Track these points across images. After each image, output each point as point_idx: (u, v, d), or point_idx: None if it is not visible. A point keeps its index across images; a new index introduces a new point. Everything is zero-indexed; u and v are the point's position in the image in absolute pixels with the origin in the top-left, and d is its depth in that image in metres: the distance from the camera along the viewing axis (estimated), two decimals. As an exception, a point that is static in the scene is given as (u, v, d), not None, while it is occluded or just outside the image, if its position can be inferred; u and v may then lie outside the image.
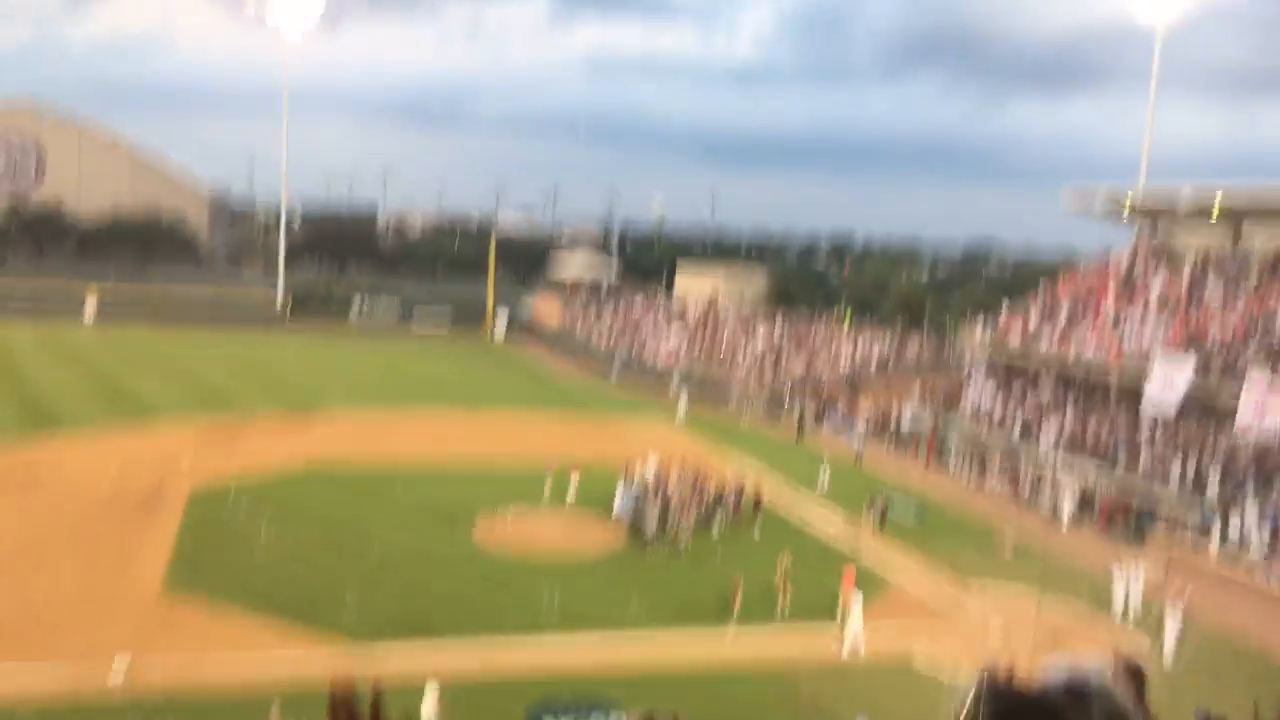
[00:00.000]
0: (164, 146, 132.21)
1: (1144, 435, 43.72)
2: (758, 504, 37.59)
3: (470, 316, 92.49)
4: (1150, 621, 28.32)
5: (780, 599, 28.16)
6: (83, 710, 20.36)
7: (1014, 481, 44.98)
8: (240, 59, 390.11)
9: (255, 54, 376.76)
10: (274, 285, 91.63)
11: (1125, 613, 29.49)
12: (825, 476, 43.14)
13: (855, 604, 26.50)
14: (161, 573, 28.08)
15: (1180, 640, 26.71)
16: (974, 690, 2.30)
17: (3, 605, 25.01)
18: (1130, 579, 30.20)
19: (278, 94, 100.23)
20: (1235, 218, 52.33)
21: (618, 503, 35.70)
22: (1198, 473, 39.36)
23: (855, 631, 26.23)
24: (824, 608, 28.15)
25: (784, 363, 67.00)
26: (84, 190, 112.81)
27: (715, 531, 35.06)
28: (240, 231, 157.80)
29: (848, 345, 68.94)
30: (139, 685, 21.35)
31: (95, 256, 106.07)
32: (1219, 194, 49.73)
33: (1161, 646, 26.63)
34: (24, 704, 20.19)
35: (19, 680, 21.20)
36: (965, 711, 2.20)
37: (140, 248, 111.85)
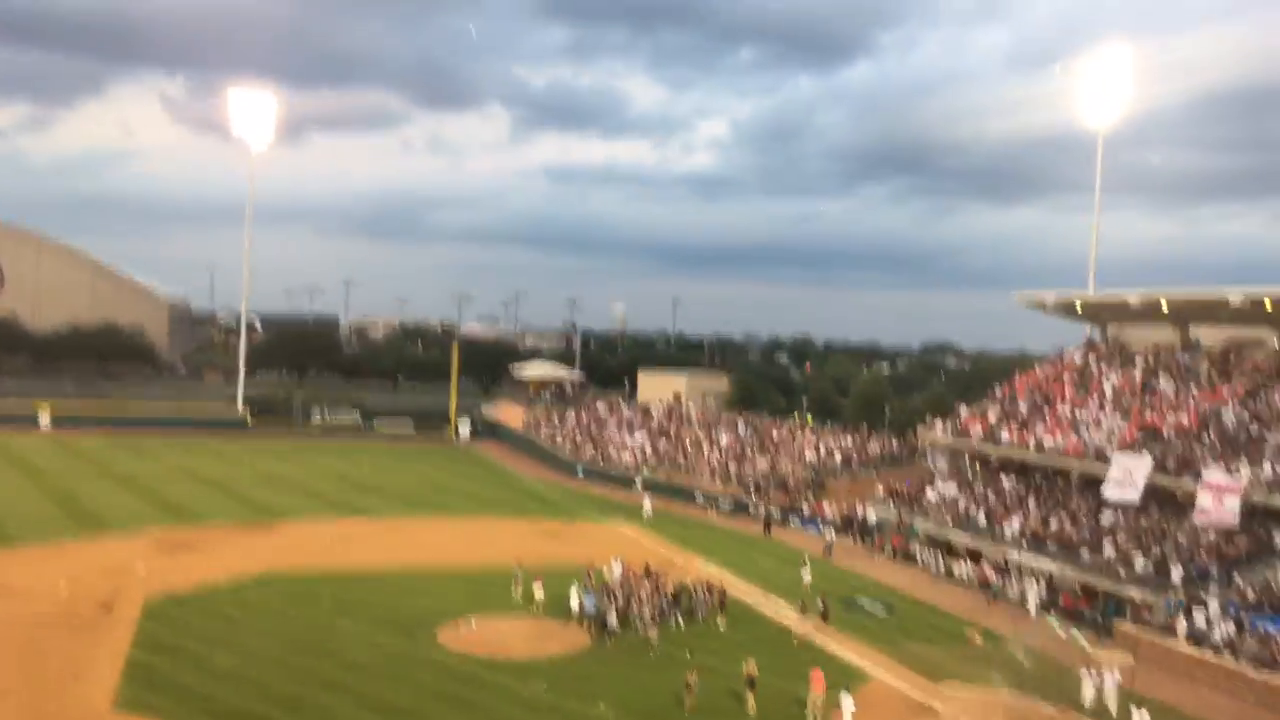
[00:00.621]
0: (126, 260, 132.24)
1: (1106, 527, 43.99)
2: (722, 601, 37.32)
3: (433, 420, 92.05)
4: (1121, 717, 28.10)
5: (749, 699, 27.76)
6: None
7: (980, 574, 44.94)
8: (203, 173, 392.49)
9: (218, 168, 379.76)
10: (234, 394, 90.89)
11: (1098, 710, 29.22)
12: (807, 571, 42.80)
13: (846, 702, 26.66)
14: (113, 690, 27.15)
15: None
16: None
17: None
18: (1103, 678, 30.00)
19: (240, 207, 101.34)
20: (1182, 317, 53.72)
21: (584, 601, 35.39)
22: (1160, 563, 39.55)
23: None
24: (797, 703, 27.84)
25: (748, 462, 67.06)
26: (42, 302, 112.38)
27: (673, 626, 34.92)
28: (200, 341, 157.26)
29: (810, 444, 69.23)
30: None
31: (52, 367, 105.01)
32: (1163, 299, 51.04)
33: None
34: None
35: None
36: None
37: (98, 358, 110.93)
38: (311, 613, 35.03)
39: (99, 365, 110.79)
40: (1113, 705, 29.09)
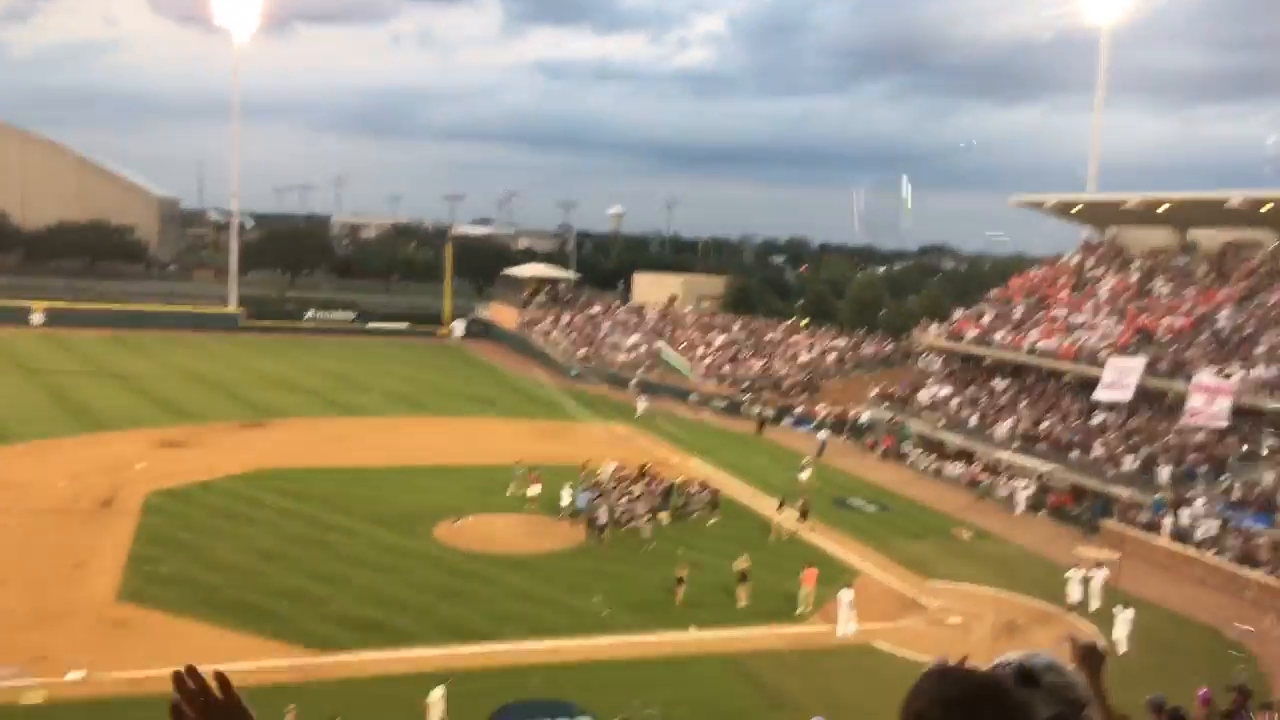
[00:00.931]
0: (111, 157, 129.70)
1: (1096, 428, 44.41)
2: (714, 499, 37.79)
3: (427, 321, 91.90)
4: (1105, 612, 28.70)
5: (740, 593, 28.34)
6: (39, 712, 19.96)
7: (971, 474, 45.52)
8: (188, 65, 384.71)
9: (204, 60, 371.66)
10: (226, 293, 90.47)
11: (1084, 607, 29.79)
12: (807, 472, 43.35)
13: (845, 595, 27.46)
14: (115, 581, 27.60)
15: (1133, 626, 27.17)
16: (925, 673, 2.29)
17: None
18: (1088, 577, 30.40)
19: (227, 101, 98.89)
20: (1181, 219, 53.38)
21: (577, 498, 35.84)
22: (1149, 463, 40.05)
23: (848, 620, 27.20)
24: (786, 598, 28.46)
25: (742, 363, 67.28)
26: (29, 199, 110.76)
27: (665, 523, 35.45)
28: (191, 240, 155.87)
29: (805, 345, 69.38)
30: (94, 691, 21.00)
31: (42, 265, 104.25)
32: (1162, 201, 50.68)
33: (1114, 633, 27.11)
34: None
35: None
36: (916, 691, 2.19)
37: (89, 256, 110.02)
38: (308, 508, 35.42)
39: (89, 263, 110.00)
40: (1097, 602, 29.65)
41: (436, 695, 19.95)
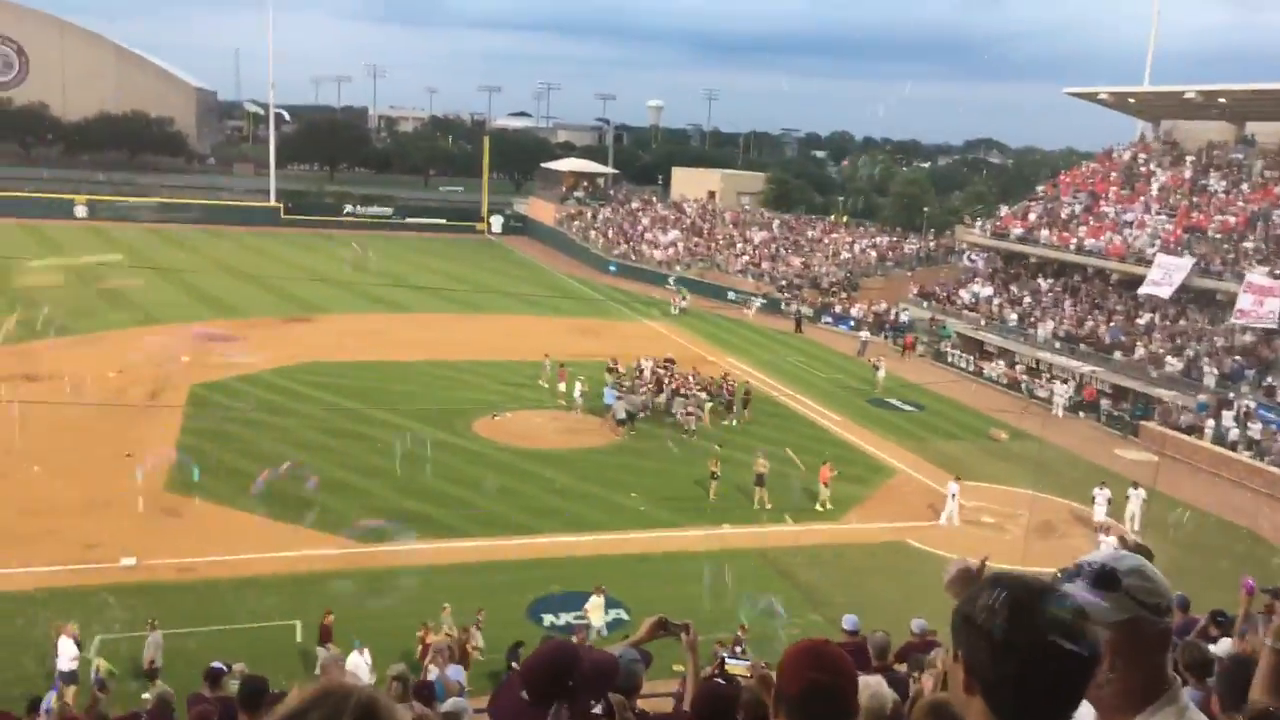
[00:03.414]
0: (146, 47, 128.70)
1: (1142, 328, 43.74)
2: (747, 397, 37.63)
3: (466, 216, 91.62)
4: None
5: (757, 494, 28.43)
6: (92, 591, 20.69)
7: (1010, 374, 45.18)
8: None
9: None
10: (266, 187, 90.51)
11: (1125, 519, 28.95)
12: (881, 374, 43.52)
13: (952, 487, 28.32)
14: (164, 472, 28.26)
15: (1144, 506, 27.77)
16: (984, 578, 2.22)
17: (5, 506, 25.17)
18: (1125, 498, 28.67)
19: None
20: (1239, 112, 51.54)
21: (610, 395, 36.05)
22: (1193, 364, 39.48)
23: (951, 509, 28.01)
24: (808, 495, 28.79)
25: (781, 261, 66.65)
26: (69, 90, 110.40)
27: (701, 420, 35.43)
28: (229, 132, 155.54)
29: (845, 243, 68.51)
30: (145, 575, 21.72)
31: (83, 158, 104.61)
32: (1221, 94, 48.88)
33: (1126, 511, 27.79)
34: (39, 588, 20.54)
35: (23, 579, 21.50)
36: (968, 597, 2.13)
37: (128, 148, 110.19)
38: (349, 402, 35.93)
39: (129, 156, 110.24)
40: (1138, 525, 28.13)
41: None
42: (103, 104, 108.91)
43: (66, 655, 16.81)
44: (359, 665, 16.30)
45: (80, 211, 79.39)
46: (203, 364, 39.27)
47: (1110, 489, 28.77)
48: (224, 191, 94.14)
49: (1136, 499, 28.56)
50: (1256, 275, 39.83)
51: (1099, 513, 28.48)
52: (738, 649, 16.39)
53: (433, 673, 14.45)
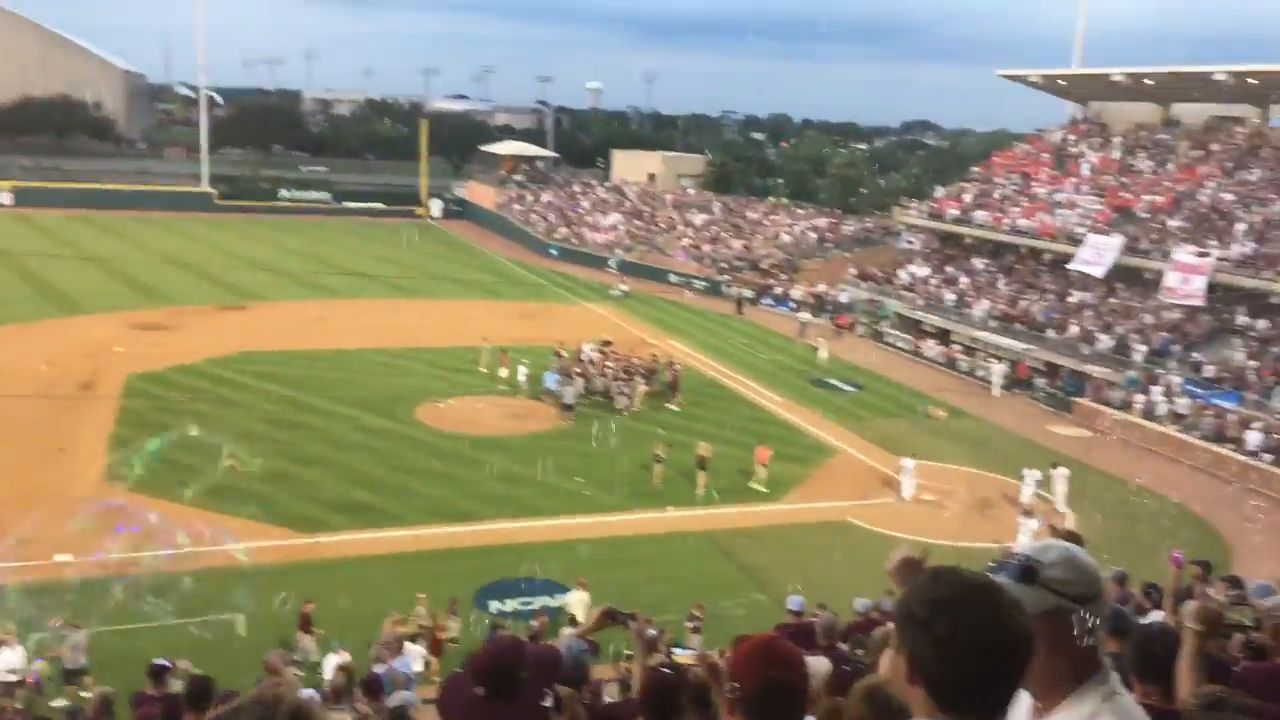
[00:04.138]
0: (71, 28, 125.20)
1: (1074, 306, 44.72)
2: (674, 382, 37.53)
3: (404, 199, 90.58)
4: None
5: (699, 479, 28.63)
6: (27, 590, 20.26)
7: (947, 354, 45.94)
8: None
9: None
10: (198, 171, 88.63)
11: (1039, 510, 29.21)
12: (822, 354, 44.12)
13: (907, 463, 28.98)
14: (101, 463, 27.74)
15: (1069, 485, 28.43)
16: (922, 573, 2.33)
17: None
18: (1047, 477, 29.22)
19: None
20: (1165, 94, 52.75)
21: (547, 379, 36.14)
22: (1123, 342, 40.49)
23: (910, 484, 28.78)
24: (744, 474, 29.10)
25: (722, 243, 66.95)
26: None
27: (641, 404, 35.59)
28: (159, 116, 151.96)
29: (785, 225, 68.99)
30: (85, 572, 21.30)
31: (6, 143, 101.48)
32: (1147, 75, 49.97)
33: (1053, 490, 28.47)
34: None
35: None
36: (908, 592, 2.24)
37: (55, 132, 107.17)
38: (290, 391, 35.49)
39: (56, 141, 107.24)
40: (1064, 505, 28.57)
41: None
42: (26, 88, 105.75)
43: (3, 667, 16.17)
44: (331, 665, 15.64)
45: (5, 199, 77.14)
46: (138, 355, 38.54)
47: (1039, 469, 29.19)
48: (155, 176, 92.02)
49: (1060, 478, 28.92)
50: (1183, 254, 40.91)
51: (1026, 494, 28.65)
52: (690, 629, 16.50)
53: (380, 667, 14.43)
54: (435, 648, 18.68)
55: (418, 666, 17.07)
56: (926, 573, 2.27)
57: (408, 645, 17.39)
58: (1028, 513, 26.22)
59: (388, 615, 18.56)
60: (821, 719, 3.98)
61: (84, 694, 14.61)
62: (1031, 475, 28.93)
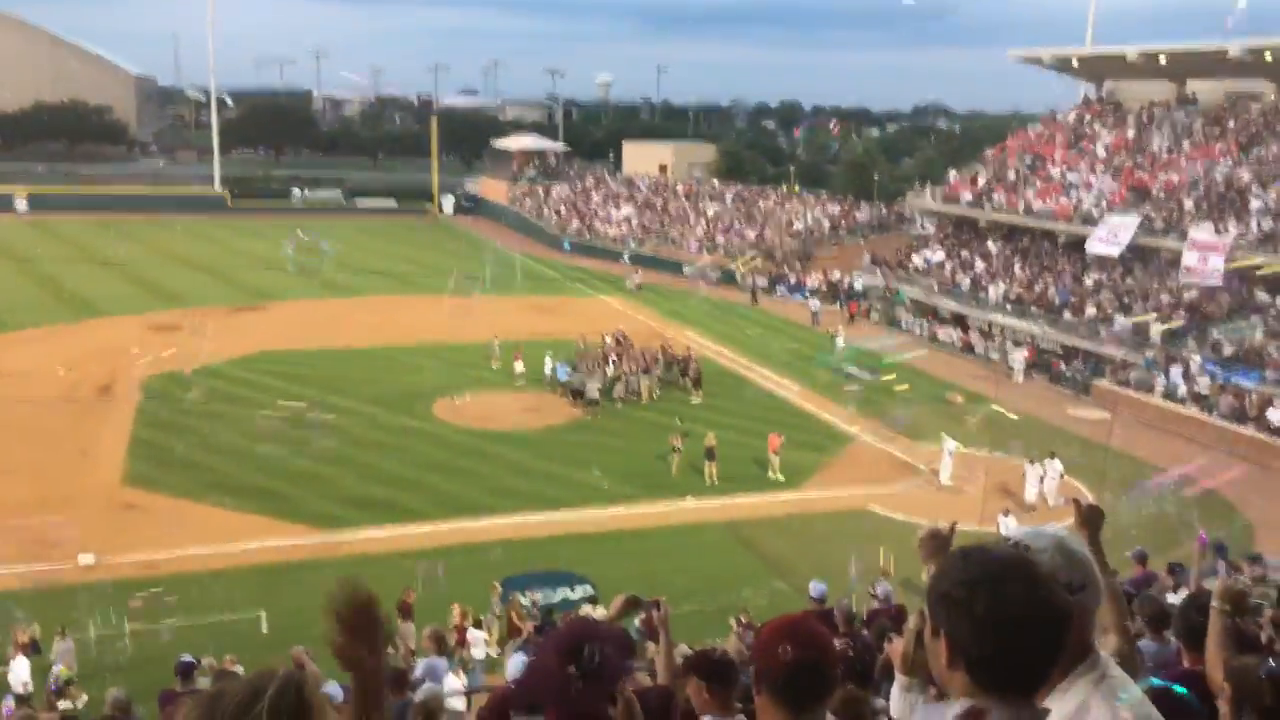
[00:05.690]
0: (82, 34, 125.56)
1: (1090, 287, 44.42)
2: (686, 370, 37.59)
3: (416, 197, 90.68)
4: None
5: (708, 469, 28.59)
6: (52, 594, 20.44)
7: (964, 338, 45.73)
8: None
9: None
10: (210, 173, 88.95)
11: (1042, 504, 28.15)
12: (840, 342, 44.00)
13: (948, 444, 29.03)
14: (120, 465, 27.93)
15: (1061, 479, 28.00)
16: (951, 554, 2.30)
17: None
18: (1046, 473, 28.43)
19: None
20: (1180, 71, 52.27)
21: (557, 370, 36.27)
22: (1141, 322, 40.18)
23: (947, 467, 28.76)
24: (757, 464, 28.97)
25: (735, 232, 66.78)
26: (2, 81, 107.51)
27: (657, 396, 35.68)
28: (170, 119, 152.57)
29: (798, 213, 68.77)
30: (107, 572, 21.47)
31: (20, 150, 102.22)
32: (1162, 53, 49.50)
33: (1044, 486, 28.02)
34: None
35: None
36: (940, 573, 2.21)
37: (67, 138, 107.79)
38: (308, 390, 35.57)
39: (68, 146, 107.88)
40: (1055, 499, 27.78)
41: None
42: (38, 94, 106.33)
43: (19, 678, 15.75)
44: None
45: (21, 205, 77.64)
46: (156, 357, 38.73)
47: (1039, 465, 28.34)
48: (168, 179, 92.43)
49: (1053, 470, 28.14)
50: (1200, 232, 40.53)
51: (1030, 492, 27.91)
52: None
53: (419, 665, 14.11)
54: (516, 635, 18.64)
55: (479, 654, 17.24)
56: (954, 553, 2.25)
57: (472, 632, 17.48)
58: (1008, 512, 25.31)
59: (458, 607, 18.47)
60: (837, 707, 3.96)
61: (67, 704, 14.37)
62: (1034, 471, 28.12)
